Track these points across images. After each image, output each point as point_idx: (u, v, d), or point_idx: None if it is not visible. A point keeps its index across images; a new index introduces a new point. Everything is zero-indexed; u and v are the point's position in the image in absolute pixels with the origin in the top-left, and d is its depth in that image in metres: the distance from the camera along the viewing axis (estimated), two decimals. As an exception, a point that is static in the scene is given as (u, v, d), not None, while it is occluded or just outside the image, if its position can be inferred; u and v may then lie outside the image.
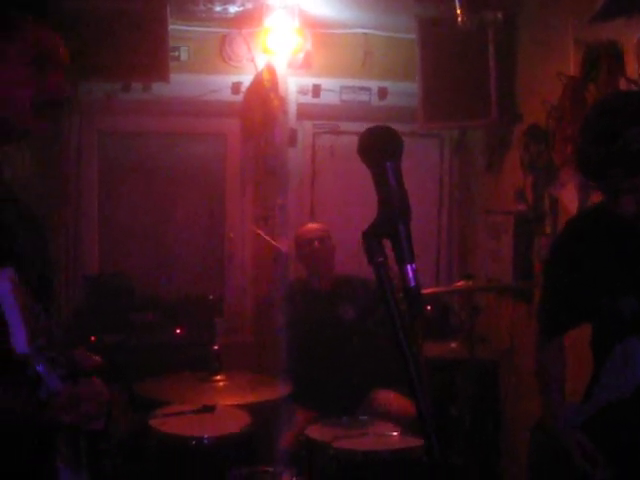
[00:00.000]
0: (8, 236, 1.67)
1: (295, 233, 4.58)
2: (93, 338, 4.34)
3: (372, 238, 1.24)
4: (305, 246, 4.43)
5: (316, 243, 4.39)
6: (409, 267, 1.23)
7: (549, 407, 2.60)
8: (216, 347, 3.77)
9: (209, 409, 3.20)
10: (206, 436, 3.45)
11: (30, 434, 1.54)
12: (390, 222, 1.23)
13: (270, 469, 3.40)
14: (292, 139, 5.21)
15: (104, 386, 1.67)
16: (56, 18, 1.79)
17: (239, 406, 3.68)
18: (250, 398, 3.58)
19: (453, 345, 4.20)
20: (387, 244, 1.26)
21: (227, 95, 5.10)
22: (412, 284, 1.22)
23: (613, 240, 2.38)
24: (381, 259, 1.23)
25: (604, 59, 3.39)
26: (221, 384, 3.55)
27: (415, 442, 3.44)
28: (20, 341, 1.32)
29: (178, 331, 4.54)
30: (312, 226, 4.56)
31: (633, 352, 2.33)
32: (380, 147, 1.25)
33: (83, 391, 1.56)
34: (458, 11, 4.21)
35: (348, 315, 4.25)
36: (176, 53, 4.93)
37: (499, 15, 4.35)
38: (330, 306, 4.30)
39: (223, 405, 3.48)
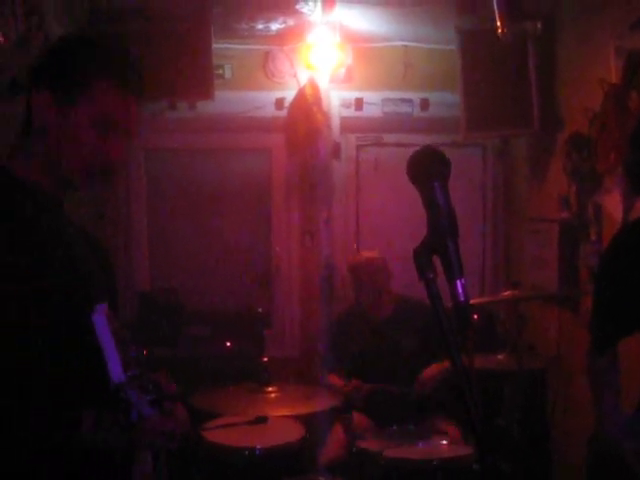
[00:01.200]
0: (90, 272, 1.73)
1: (350, 261, 4.54)
2: (145, 352, 4.43)
3: (422, 255, 1.29)
4: (363, 274, 4.36)
5: (371, 269, 4.32)
6: (458, 282, 1.27)
7: (604, 417, 2.61)
8: (265, 359, 3.83)
9: (261, 420, 3.25)
10: (258, 447, 3.51)
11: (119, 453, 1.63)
12: (439, 239, 1.28)
13: (321, 478, 3.45)
14: (336, 152, 5.27)
15: (185, 411, 1.77)
16: (138, 84, 1.76)
17: (290, 417, 3.73)
18: (301, 409, 3.63)
19: (500, 357, 4.21)
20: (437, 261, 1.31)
21: (271, 111, 5.19)
22: (462, 299, 1.27)
23: None
24: (432, 275, 1.28)
25: (646, 66, 3.39)
26: (272, 395, 3.61)
27: (464, 451, 3.46)
28: (116, 371, 1.41)
29: (228, 344, 4.60)
30: (368, 254, 4.48)
31: None
32: (428, 168, 1.29)
33: (168, 419, 1.67)
34: (498, 22, 4.23)
35: (409, 344, 4.22)
36: (220, 71, 5.03)
37: (539, 25, 4.37)
38: (389, 335, 4.26)
39: (275, 416, 3.53)
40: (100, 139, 1.69)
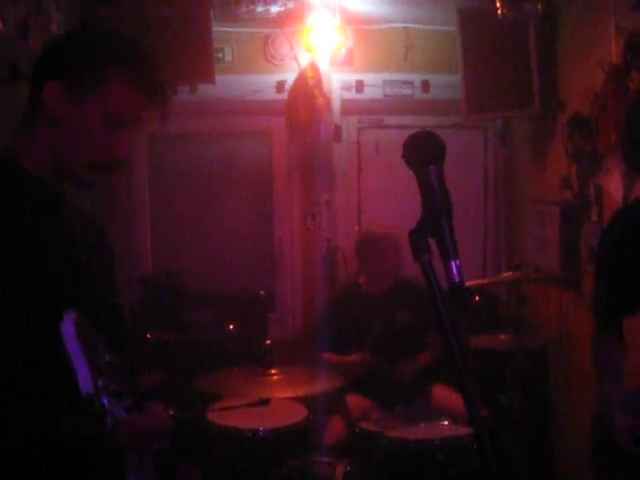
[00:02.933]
0: (83, 274, 1.73)
1: (362, 233, 4.55)
2: (149, 336, 4.46)
3: (418, 237, 1.31)
4: (373, 246, 4.39)
5: (385, 244, 4.34)
6: (453, 263, 1.29)
7: (603, 393, 2.63)
8: (268, 342, 3.86)
9: (264, 402, 3.27)
10: (262, 428, 3.55)
11: (99, 452, 1.64)
12: (434, 221, 1.30)
13: (324, 459, 3.49)
14: (337, 135, 5.27)
15: (166, 411, 1.79)
16: (151, 83, 1.73)
17: (294, 399, 3.76)
18: (304, 391, 3.66)
19: (502, 337, 4.23)
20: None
21: (271, 94, 5.18)
22: (457, 280, 1.29)
23: None
24: (427, 256, 1.30)
25: (646, 46, 3.39)
26: (275, 378, 3.63)
27: (465, 431, 3.49)
28: (84, 381, 1.42)
29: (231, 327, 4.63)
30: (378, 230, 4.49)
31: None
32: (423, 152, 1.31)
33: (146, 419, 1.68)
34: (498, 3, 4.22)
35: (402, 319, 4.24)
36: (220, 54, 5.02)
37: (539, 5, 4.35)
38: (384, 310, 4.29)
39: (278, 398, 3.56)
40: (109, 135, 1.68)
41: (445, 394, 4.14)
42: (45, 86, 1.65)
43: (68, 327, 1.42)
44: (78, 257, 1.74)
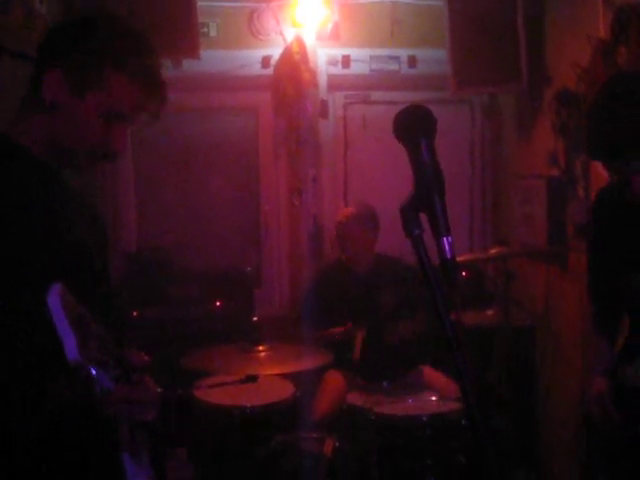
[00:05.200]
0: (80, 246, 1.74)
1: (338, 216, 4.55)
2: (135, 313, 4.44)
3: (409, 212, 1.29)
4: (340, 228, 4.40)
5: (351, 225, 4.34)
6: (445, 239, 1.28)
7: (594, 358, 2.73)
8: (255, 318, 3.85)
9: (252, 379, 3.27)
10: (249, 405, 3.55)
11: (91, 425, 1.63)
12: (426, 197, 1.28)
13: (313, 435, 3.49)
14: (323, 110, 5.24)
15: (154, 383, 1.78)
16: (151, 81, 1.74)
17: (281, 375, 3.76)
18: (292, 367, 3.66)
19: (489, 312, 4.25)
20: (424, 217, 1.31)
21: (257, 69, 5.13)
22: (448, 256, 1.28)
23: (629, 217, 2.45)
24: (418, 232, 1.29)
25: (634, 21, 3.37)
26: (262, 354, 3.63)
27: (453, 406, 3.50)
28: (71, 349, 1.41)
29: (217, 304, 4.62)
30: (350, 209, 4.50)
31: None
32: (414, 126, 1.29)
33: (134, 389, 1.68)
34: (485, -24, 4.19)
35: (387, 301, 4.24)
36: (205, 29, 4.96)
37: (527, -21, 4.34)
38: (368, 291, 4.29)
39: (265, 375, 3.56)
40: (106, 128, 1.70)
41: (432, 375, 4.16)
42: (46, 73, 1.67)
43: (54, 297, 1.41)
44: (74, 231, 1.75)
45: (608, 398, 2.51)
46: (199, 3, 4.56)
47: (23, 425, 1.54)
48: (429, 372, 4.19)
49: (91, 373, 1.46)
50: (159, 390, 1.80)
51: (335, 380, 4.15)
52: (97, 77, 1.67)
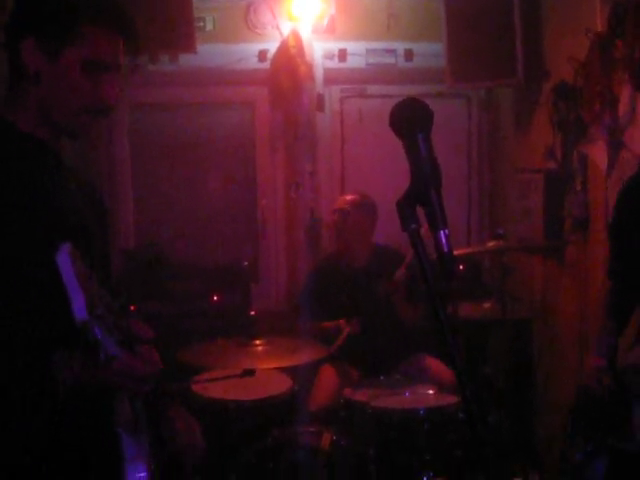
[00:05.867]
0: (79, 215, 1.76)
1: (334, 206, 4.53)
2: (132, 308, 4.43)
3: (406, 206, 1.29)
4: (337, 216, 4.36)
5: (339, 217, 4.32)
6: (442, 233, 1.28)
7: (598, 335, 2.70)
8: (253, 312, 3.85)
9: (249, 373, 3.27)
10: (247, 399, 3.54)
11: (88, 401, 1.63)
12: (422, 190, 1.28)
13: (310, 429, 3.49)
14: (320, 104, 5.23)
15: (156, 353, 1.77)
16: (123, 23, 1.74)
17: (278, 369, 3.76)
18: (289, 361, 3.65)
19: (486, 305, 4.25)
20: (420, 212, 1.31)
21: (254, 63, 5.13)
22: (445, 249, 1.28)
23: None
24: (414, 226, 1.29)
25: (631, 14, 3.37)
26: (260, 348, 3.63)
27: (451, 400, 3.51)
28: (80, 308, 1.39)
29: (215, 298, 4.61)
30: (341, 198, 4.47)
31: None
32: (411, 119, 1.29)
33: (139, 357, 1.66)
34: (482, -30, 4.19)
35: (382, 290, 4.22)
36: (201, 23, 4.96)
37: (524, -28, 4.33)
38: (365, 282, 4.27)
39: (263, 369, 3.56)
40: (91, 81, 1.69)
41: (430, 363, 4.16)
42: (20, 46, 1.66)
43: (63, 256, 1.40)
44: (69, 201, 1.75)
45: (606, 373, 2.52)
46: (195, -3, 4.56)
47: (23, 411, 1.54)
48: (425, 361, 4.19)
49: (97, 335, 1.44)
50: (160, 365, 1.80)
51: (329, 374, 4.15)
52: (68, 31, 1.66)
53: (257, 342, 3.66)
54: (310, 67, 5.06)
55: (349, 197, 4.42)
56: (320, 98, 5.23)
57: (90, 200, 1.86)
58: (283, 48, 5.00)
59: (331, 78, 5.28)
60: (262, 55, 5.11)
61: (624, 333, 2.57)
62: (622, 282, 2.66)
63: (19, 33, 1.68)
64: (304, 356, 3.70)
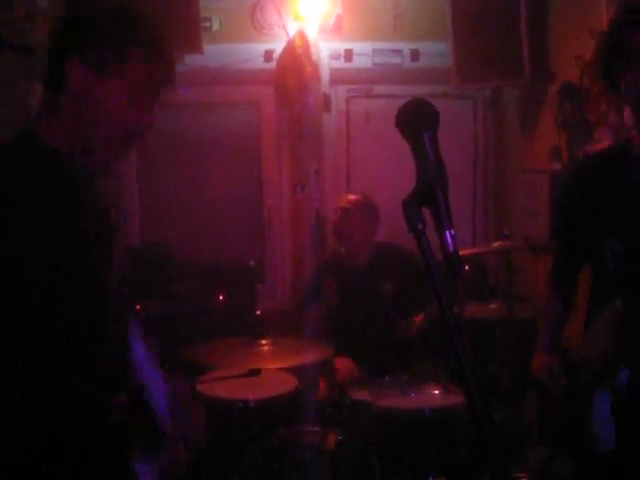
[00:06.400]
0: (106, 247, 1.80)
1: (336, 205, 4.53)
2: (138, 307, 4.45)
3: (412, 206, 1.29)
4: (334, 217, 4.37)
5: (341, 215, 4.32)
6: (448, 233, 1.28)
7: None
8: (258, 312, 3.85)
9: (255, 373, 3.27)
10: (252, 399, 3.54)
11: (88, 401, 1.64)
12: (428, 190, 1.28)
13: (315, 429, 3.49)
14: (326, 104, 5.24)
15: None
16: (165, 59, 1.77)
17: (284, 369, 3.76)
18: (294, 361, 3.65)
19: (492, 306, 4.24)
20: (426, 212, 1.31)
21: (260, 63, 5.14)
22: (451, 249, 1.28)
23: (622, 179, 2.35)
24: (421, 226, 1.29)
25: (637, 14, 3.36)
26: (265, 348, 3.62)
27: (456, 400, 3.50)
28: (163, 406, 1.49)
29: (220, 298, 4.61)
30: (343, 197, 4.46)
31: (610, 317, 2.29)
32: (417, 119, 1.29)
33: None
34: (488, -30, 4.18)
35: (388, 289, 4.22)
36: (207, 23, 4.98)
37: (530, -27, 4.32)
38: (367, 280, 4.27)
39: (268, 368, 3.56)
40: (133, 107, 1.71)
41: (433, 371, 4.14)
42: (67, 64, 1.67)
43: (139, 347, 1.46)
44: (90, 236, 1.76)
45: (557, 372, 2.50)
46: (201, -3, 4.57)
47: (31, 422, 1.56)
48: (430, 368, 4.18)
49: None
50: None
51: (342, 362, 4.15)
52: (117, 60, 1.68)
53: (262, 342, 3.65)
54: (316, 67, 5.07)
55: (352, 197, 4.42)
56: (326, 98, 5.24)
57: (99, 219, 1.87)
58: (289, 48, 5.01)
59: (337, 78, 5.28)
60: (268, 55, 5.12)
61: (571, 319, 2.58)
62: (572, 260, 2.62)
63: (67, 51, 1.69)
64: (309, 356, 3.70)
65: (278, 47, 5.08)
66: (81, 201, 1.73)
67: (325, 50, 5.20)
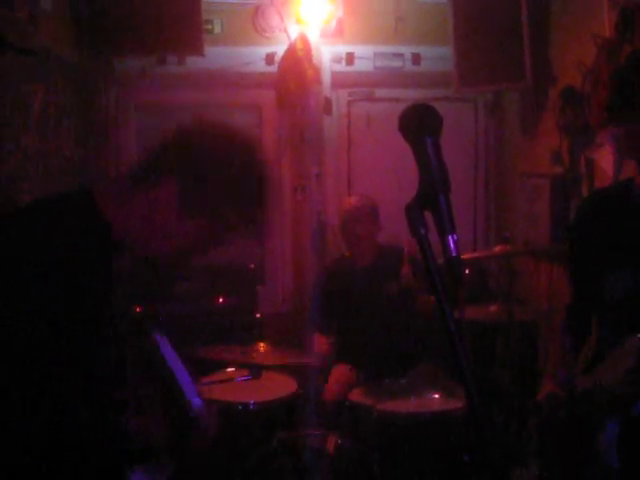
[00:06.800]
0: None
1: (341, 207, 4.53)
2: (138, 309, 4.44)
3: (414, 211, 1.29)
4: (343, 222, 4.37)
5: (349, 218, 4.31)
6: (450, 238, 1.28)
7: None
8: (259, 315, 3.85)
9: (255, 375, 3.28)
10: (252, 401, 3.55)
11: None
12: (431, 195, 1.28)
13: (315, 432, 3.50)
14: (327, 108, 5.24)
15: None
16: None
17: (284, 372, 3.77)
18: (294, 364, 3.66)
19: (492, 309, 4.24)
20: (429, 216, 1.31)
21: (261, 66, 5.14)
22: (453, 254, 1.28)
23: (628, 215, 2.39)
24: (423, 231, 1.29)
25: (639, 20, 3.37)
26: (265, 351, 3.63)
27: (456, 404, 3.50)
28: (194, 398, 1.49)
29: (221, 300, 4.62)
30: (352, 201, 4.45)
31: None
32: (420, 124, 1.29)
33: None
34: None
35: (391, 291, 4.21)
36: (209, 26, 4.98)
37: (532, -23, 4.33)
38: (371, 282, 4.27)
39: (268, 371, 3.56)
40: (191, 241, 1.78)
41: (437, 372, 4.14)
42: (167, 180, 1.69)
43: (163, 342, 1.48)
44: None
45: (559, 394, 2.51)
46: (203, 0, 4.56)
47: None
48: (430, 370, 4.18)
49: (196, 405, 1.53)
50: None
51: (341, 371, 4.15)
52: (207, 206, 1.70)
53: (262, 344, 3.67)
54: (317, 70, 5.07)
55: (358, 199, 4.42)
56: (327, 101, 5.24)
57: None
58: (291, 51, 5.00)
59: (339, 81, 5.29)
60: (269, 58, 5.13)
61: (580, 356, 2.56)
62: (586, 302, 2.58)
63: (174, 171, 1.71)
64: (309, 359, 3.71)
65: (279, 50, 5.07)
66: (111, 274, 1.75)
67: (326, 53, 5.21)
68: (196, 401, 1.51)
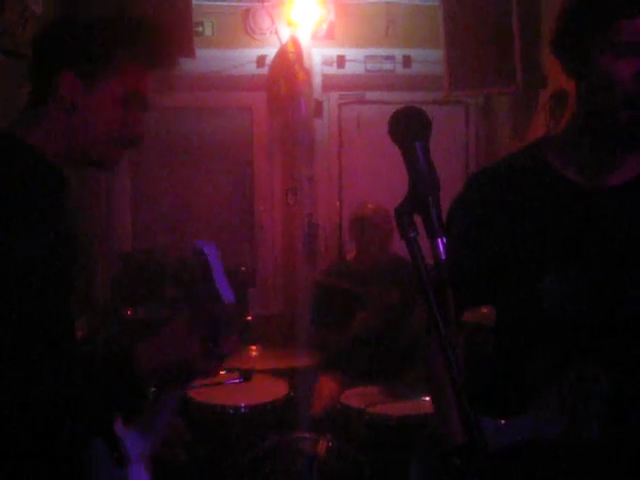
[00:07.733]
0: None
1: (354, 209, 4.53)
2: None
3: (404, 214, 1.29)
4: (354, 225, 4.40)
5: (366, 225, 4.34)
6: (440, 241, 1.28)
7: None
8: (249, 318, 3.85)
9: (246, 378, 3.27)
10: (243, 405, 3.55)
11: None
12: (420, 199, 1.28)
13: (307, 435, 3.49)
14: (318, 110, 5.24)
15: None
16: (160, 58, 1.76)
17: (275, 375, 3.76)
18: (285, 366, 3.66)
19: (484, 310, 4.24)
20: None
21: (252, 69, 5.14)
22: (443, 257, 1.27)
23: (547, 196, 1.83)
24: (412, 234, 1.29)
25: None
26: (256, 353, 3.63)
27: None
28: (229, 293, 1.57)
29: (212, 303, 4.59)
30: (368, 206, 4.45)
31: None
32: (409, 128, 1.29)
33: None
34: (481, -23, 4.19)
35: (391, 299, 4.22)
36: (200, 28, 4.97)
37: (522, -20, 4.33)
38: (372, 288, 4.27)
39: (259, 374, 3.56)
40: (124, 114, 1.69)
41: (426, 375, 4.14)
42: (59, 78, 1.65)
43: (212, 251, 1.62)
44: (74, 232, 1.78)
45: None
46: (194, 2, 4.56)
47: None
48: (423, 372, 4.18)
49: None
50: None
51: (328, 382, 4.14)
52: (108, 66, 1.66)
53: (253, 347, 3.66)
54: (309, 73, 5.08)
55: (369, 205, 4.43)
56: (318, 104, 5.24)
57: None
58: (282, 54, 5.01)
59: (329, 84, 5.29)
60: (260, 61, 5.12)
61: None
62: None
63: (57, 64, 1.67)
64: (301, 361, 3.71)
65: (270, 53, 5.08)
66: (66, 199, 1.72)
67: (317, 56, 5.21)
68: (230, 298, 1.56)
